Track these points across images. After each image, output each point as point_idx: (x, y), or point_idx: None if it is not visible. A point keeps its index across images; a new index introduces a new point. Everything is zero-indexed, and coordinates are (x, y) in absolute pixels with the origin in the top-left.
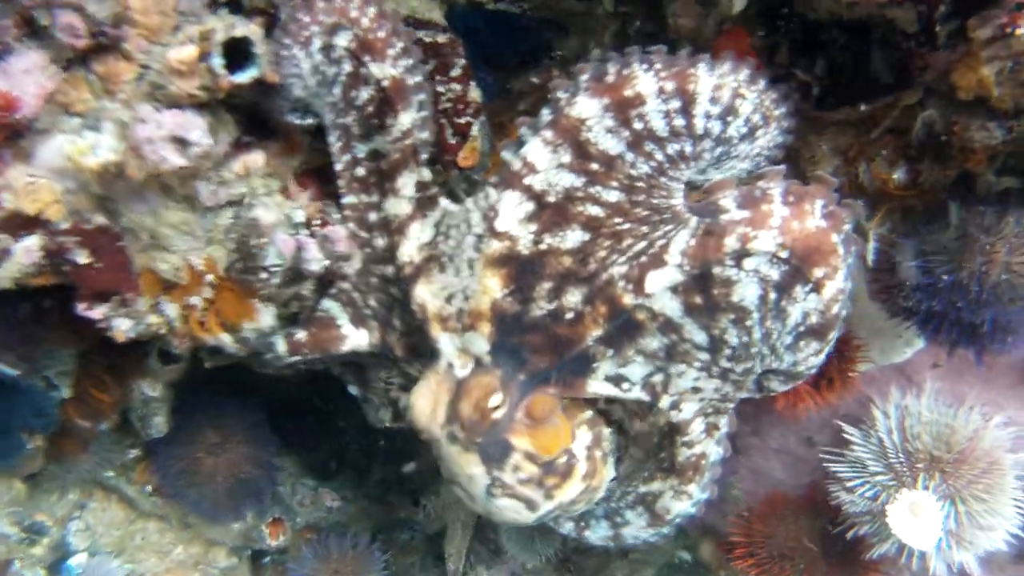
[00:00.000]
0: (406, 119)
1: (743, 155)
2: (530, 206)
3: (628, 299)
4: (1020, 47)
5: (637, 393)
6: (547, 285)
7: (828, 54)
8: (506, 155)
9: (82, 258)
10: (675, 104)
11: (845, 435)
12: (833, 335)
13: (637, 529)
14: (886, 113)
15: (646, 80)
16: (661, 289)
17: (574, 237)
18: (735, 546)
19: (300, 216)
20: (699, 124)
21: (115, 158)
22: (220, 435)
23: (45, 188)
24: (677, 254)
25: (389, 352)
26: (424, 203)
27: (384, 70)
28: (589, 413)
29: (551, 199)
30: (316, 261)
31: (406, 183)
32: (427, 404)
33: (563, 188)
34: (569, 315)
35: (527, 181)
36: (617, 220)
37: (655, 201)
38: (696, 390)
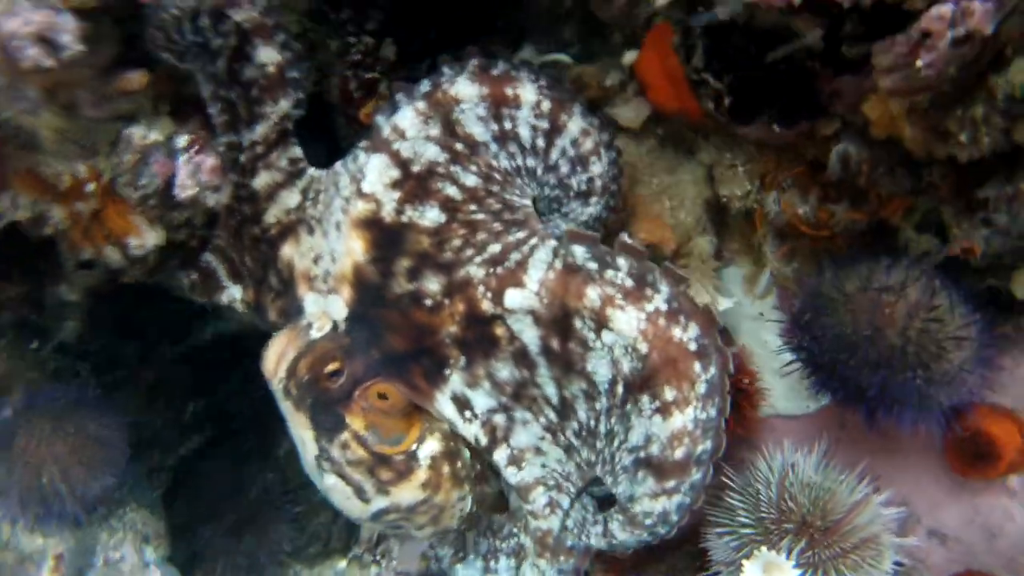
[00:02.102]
0: (285, 104)
1: (571, 214)
2: (395, 172)
3: (486, 306)
4: (920, 82)
5: (476, 430)
6: (406, 263)
7: (736, 64)
8: (379, 119)
9: None
10: (544, 125)
11: (724, 478)
12: (673, 484)
13: None
14: (804, 142)
15: (528, 89)
16: (519, 308)
17: (432, 215)
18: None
19: (182, 142)
20: (554, 155)
21: None
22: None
23: None
24: (535, 281)
25: (263, 313)
26: (293, 173)
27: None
28: (447, 427)
29: (415, 168)
30: (184, 188)
31: (280, 158)
32: (274, 355)
33: (427, 160)
34: (428, 301)
35: (395, 147)
36: (472, 207)
37: (507, 197)
38: (539, 451)
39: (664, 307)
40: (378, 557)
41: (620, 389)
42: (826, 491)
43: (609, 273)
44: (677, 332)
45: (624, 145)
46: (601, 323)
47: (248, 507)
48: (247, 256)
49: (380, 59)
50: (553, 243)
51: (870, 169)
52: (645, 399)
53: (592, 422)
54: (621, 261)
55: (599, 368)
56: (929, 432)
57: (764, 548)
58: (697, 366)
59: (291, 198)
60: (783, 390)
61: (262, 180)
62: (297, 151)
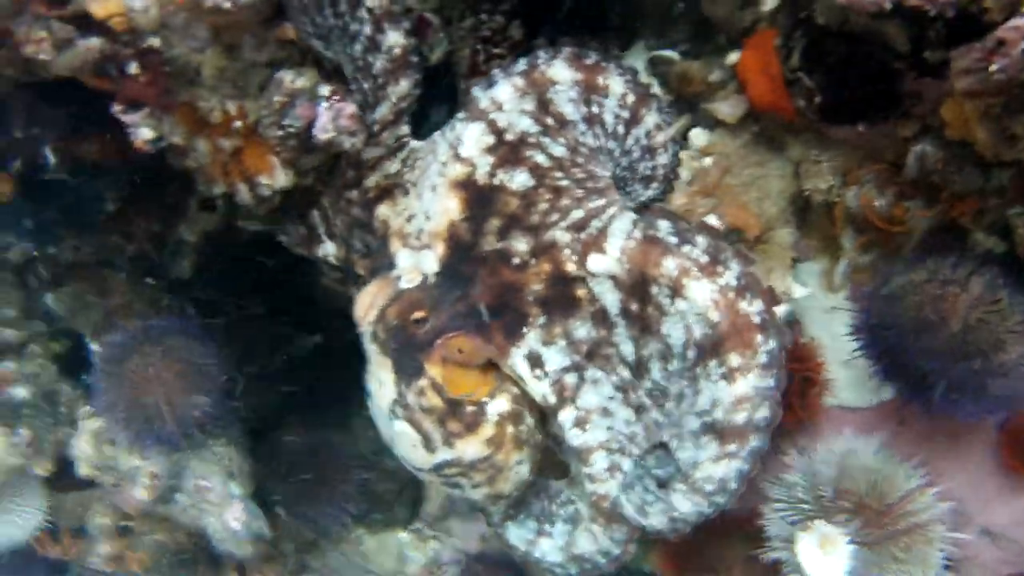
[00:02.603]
0: (405, 85)
1: (633, 194)
2: (490, 139)
3: (571, 267)
4: (993, 85)
5: (545, 388)
6: (496, 222)
7: (829, 65)
8: (476, 92)
9: (131, 69)
10: (626, 115)
11: (785, 456)
12: (734, 448)
13: (551, 548)
14: (886, 141)
15: (617, 81)
16: (602, 272)
17: (521, 179)
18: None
19: (325, 90)
20: (629, 142)
21: None
22: (166, 355)
23: (115, 1)
24: (617, 248)
25: (352, 269)
26: (397, 147)
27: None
28: (516, 390)
29: (508, 137)
30: (324, 131)
31: (390, 136)
32: (366, 301)
33: (520, 130)
34: (515, 260)
35: (491, 116)
36: (558, 174)
37: (591, 168)
38: (606, 412)
39: (734, 282)
40: (439, 533)
41: (691, 353)
42: (883, 476)
43: (686, 248)
44: (744, 305)
45: (720, 138)
46: (677, 291)
47: (320, 468)
48: (339, 218)
49: (507, 38)
50: (631, 214)
51: (943, 167)
52: (713, 364)
53: (665, 382)
54: (699, 239)
55: (673, 331)
56: (985, 428)
57: (820, 522)
58: (760, 337)
59: (392, 166)
60: (849, 382)
61: (370, 153)
62: (405, 129)
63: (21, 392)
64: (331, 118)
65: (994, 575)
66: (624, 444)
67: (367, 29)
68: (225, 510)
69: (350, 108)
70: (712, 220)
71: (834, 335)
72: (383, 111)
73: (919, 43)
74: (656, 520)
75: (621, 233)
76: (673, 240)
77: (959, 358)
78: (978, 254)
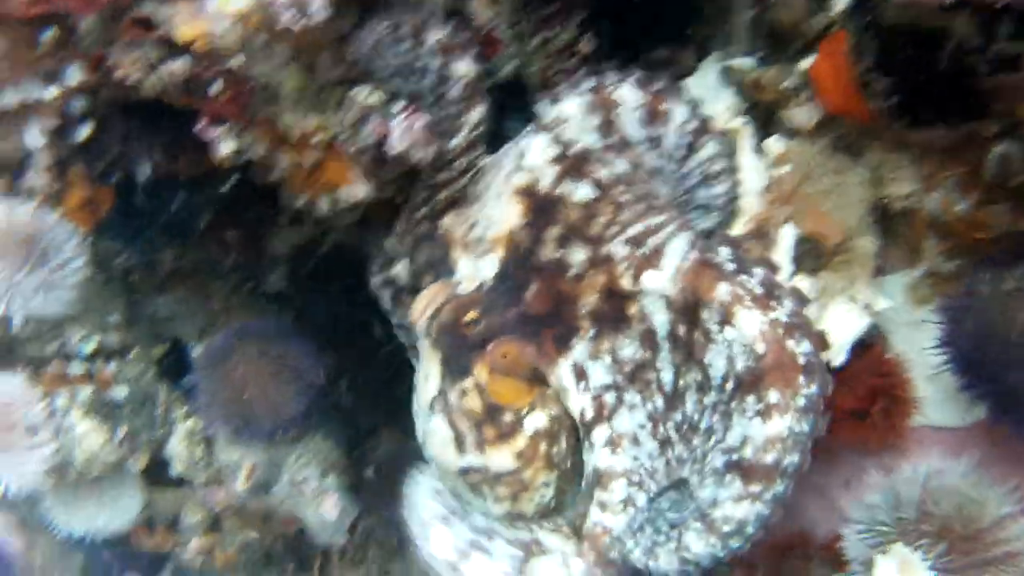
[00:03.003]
0: (476, 115)
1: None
2: (555, 151)
3: (626, 282)
4: None
5: (586, 402)
6: (556, 231)
7: (900, 63)
8: (542, 107)
9: (214, 88)
10: (687, 140)
11: (867, 477)
12: (758, 489)
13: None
14: (966, 144)
15: (680, 108)
16: (655, 291)
17: (583, 192)
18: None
19: (397, 107)
20: (689, 166)
21: (245, 8)
22: (263, 355)
23: (199, 25)
24: (672, 266)
25: (414, 279)
26: (467, 169)
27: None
28: (556, 411)
29: (572, 150)
30: (397, 144)
31: (463, 163)
32: (423, 301)
33: (584, 146)
34: (572, 271)
35: (557, 130)
36: (620, 188)
37: (651, 186)
38: (635, 441)
39: (785, 319)
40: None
41: (730, 385)
42: (972, 500)
43: (743, 277)
44: (791, 343)
45: (796, 145)
46: (727, 318)
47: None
48: (408, 237)
49: (577, 52)
50: (690, 234)
51: None
52: (751, 399)
53: (696, 415)
54: (757, 271)
55: (716, 361)
56: None
57: (899, 545)
58: (802, 379)
59: (459, 183)
60: (937, 399)
61: (443, 176)
62: (480, 152)
63: (122, 393)
64: (403, 131)
65: None
66: (644, 479)
67: (435, 63)
68: (321, 502)
69: (422, 121)
70: (790, 229)
71: (920, 351)
72: (458, 140)
73: (991, 37)
74: (665, 561)
75: (678, 252)
76: (731, 267)
77: None
78: None
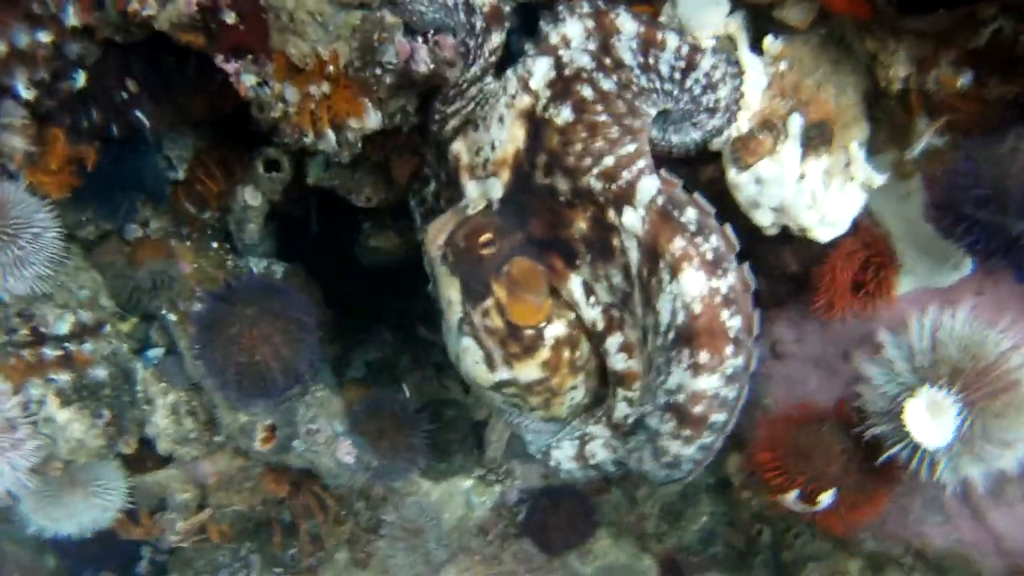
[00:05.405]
0: (496, 38)
1: (699, 123)
2: (553, 73)
3: (611, 214)
4: None
5: (596, 314)
6: (543, 158)
7: None
8: (546, 28)
9: (229, 18)
10: (681, 64)
11: (879, 337)
12: (689, 434)
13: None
14: (962, 27)
15: (672, 37)
16: (630, 228)
17: (564, 114)
18: (758, 444)
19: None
20: (689, 83)
21: None
22: (264, 313)
23: None
24: (642, 206)
25: (435, 200)
26: (476, 97)
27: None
28: (572, 316)
29: (566, 72)
30: (424, 63)
31: (477, 91)
32: (435, 229)
33: (577, 67)
34: (562, 198)
35: (559, 52)
36: (598, 107)
37: (636, 103)
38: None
39: (724, 291)
40: (501, 477)
41: (671, 336)
42: (975, 341)
43: (699, 239)
44: (725, 314)
45: (791, 42)
46: (675, 272)
47: (387, 419)
48: (430, 154)
49: None
50: (656, 180)
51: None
52: (685, 353)
53: (654, 354)
54: (714, 238)
55: (663, 309)
56: None
57: (926, 387)
58: (729, 349)
59: (467, 108)
60: (927, 264)
61: (456, 106)
62: (489, 79)
63: (101, 373)
64: (430, 49)
65: None
66: (650, 383)
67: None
68: (336, 448)
69: (450, 40)
70: (796, 119)
71: (909, 220)
72: (475, 69)
73: None
74: (643, 460)
75: (647, 193)
76: (692, 228)
77: None
78: None
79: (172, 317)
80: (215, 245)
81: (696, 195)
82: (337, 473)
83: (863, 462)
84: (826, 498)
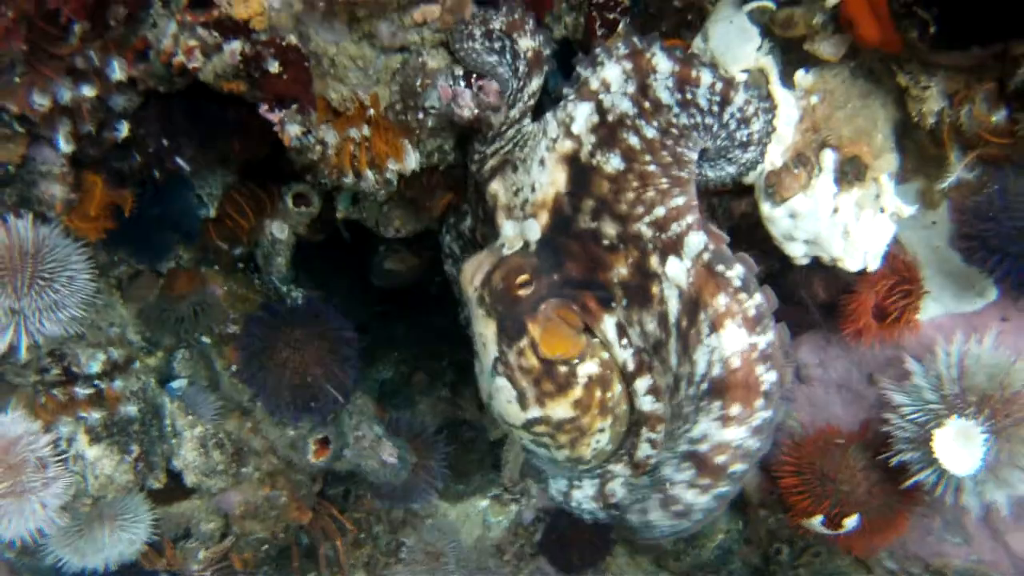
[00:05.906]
0: (536, 82)
1: (734, 158)
2: (596, 118)
3: (654, 262)
4: None
5: (628, 356)
6: (590, 203)
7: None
8: (585, 72)
9: (273, 67)
10: (716, 99)
11: (906, 365)
12: (707, 483)
13: (586, 500)
14: (995, 62)
15: (706, 73)
16: (673, 278)
17: (615, 162)
18: (784, 468)
19: (459, 71)
20: (725, 117)
21: None
22: (310, 335)
23: (255, 1)
24: (689, 259)
25: (471, 234)
26: (515, 139)
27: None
28: (606, 355)
29: (610, 118)
30: (468, 108)
31: (516, 132)
32: (472, 268)
33: (620, 112)
34: (606, 242)
35: (600, 97)
36: (647, 158)
37: (679, 150)
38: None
39: (763, 347)
40: (517, 496)
41: (705, 386)
42: (1003, 369)
43: (743, 296)
44: (761, 369)
45: (823, 76)
46: (715, 327)
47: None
48: (471, 196)
49: (619, 3)
50: (703, 236)
51: None
52: (716, 404)
53: (683, 402)
54: (758, 296)
55: (700, 360)
56: None
57: (955, 417)
58: (761, 403)
59: (505, 148)
60: (952, 291)
61: (494, 146)
62: (527, 122)
63: (131, 409)
64: (473, 94)
65: None
66: (670, 430)
67: (507, 43)
68: (380, 450)
69: (494, 85)
70: (830, 154)
71: (935, 248)
72: (515, 111)
73: None
74: (647, 512)
75: (694, 248)
76: (737, 284)
77: None
78: None
79: (206, 340)
80: (240, 265)
81: (740, 254)
82: (382, 473)
83: (887, 485)
84: (850, 522)
